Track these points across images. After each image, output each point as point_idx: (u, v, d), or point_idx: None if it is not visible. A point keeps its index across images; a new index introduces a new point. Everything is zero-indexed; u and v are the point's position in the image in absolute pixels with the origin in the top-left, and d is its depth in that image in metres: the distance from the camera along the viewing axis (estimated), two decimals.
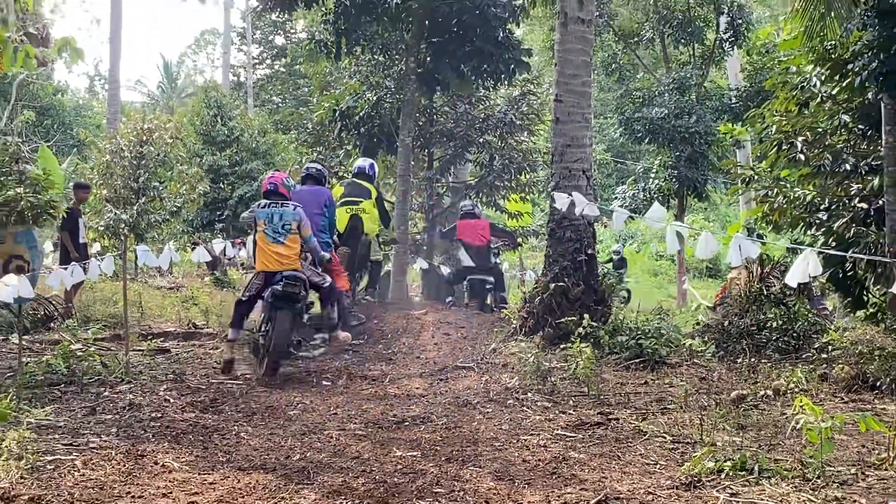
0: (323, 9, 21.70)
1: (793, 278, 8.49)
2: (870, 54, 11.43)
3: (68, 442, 7.23)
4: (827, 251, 10.97)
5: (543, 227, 20.29)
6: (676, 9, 27.25)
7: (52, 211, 13.74)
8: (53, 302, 14.88)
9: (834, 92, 12.99)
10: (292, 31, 60.75)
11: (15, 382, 8.92)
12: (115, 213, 23.37)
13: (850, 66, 12.12)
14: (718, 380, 9.85)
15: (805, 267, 8.17)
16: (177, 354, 12.33)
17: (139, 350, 11.90)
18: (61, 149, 42.15)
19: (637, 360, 10.87)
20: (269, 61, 64.27)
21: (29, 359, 10.38)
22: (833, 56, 12.65)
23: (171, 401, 8.98)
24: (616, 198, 28.76)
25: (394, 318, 14.97)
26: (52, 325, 14.20)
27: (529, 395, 9.31)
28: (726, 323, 12.11)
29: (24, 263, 13.32)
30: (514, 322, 13.09)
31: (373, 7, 20.91)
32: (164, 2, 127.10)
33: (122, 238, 20.49)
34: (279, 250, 11.01)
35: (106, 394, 9.14)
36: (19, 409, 7.57)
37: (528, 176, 24.59)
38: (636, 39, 28.87)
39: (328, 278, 11.68)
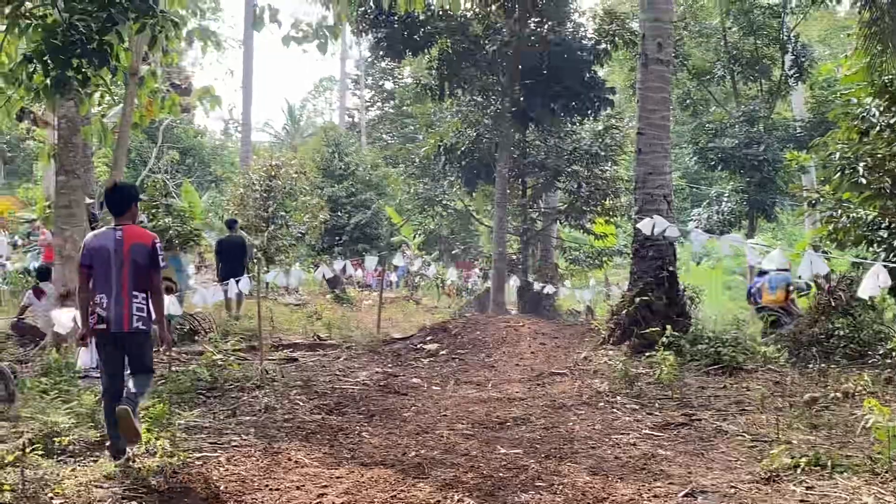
0: (428, 56, 21.98)
1: (865, 291, 8.30)
2: None
3: (213, 441, 7.34)
4: (890, 265, 10.69)
5: (627, 248, 20.14)
6: (745, 48, 26.81)
7: (195, 238, 14.02)
8: (198, 318, 15.08)
9: (892, 121, 12.68)
10: (400, 76, 61.17)
11: (166, 389, 9.08)
12: (249, 239, 23.74)
13: None
14: (792, 384, 9.63)
15: (875, 280, 7.97)
16: (304, 363, 12.45)
17: (272, 359, 12.04)
18: (201, 184, 43.06)
19: (716, 367, 10.69)
20: (379, 103, 64.78)
21: (177, 368, 10.57)
22: (891, 89, 12.36)
23: (301, 404, 9.07)
24: (692, 219, 28.35)
25: (494, 329, 14.95)
26: (196, 338, 14.41)
27: (619, 398, 9.22)
28: (798, 332, 11.86)
29: (172, 284, 13.55)
30: (603, 332, 13.00)
31: (472, 54, 21.12)
32: (288, 54, 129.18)
33: (255, 261, 20.80)
34: (772, 297, 14.09)
35: (244, 398, 9.25)
36: (171, 413, 7.70)
37: (612, 201, 24.41)
38: (708, 77, 28.46)
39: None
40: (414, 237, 32.70)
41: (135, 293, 6.86)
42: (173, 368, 10.24)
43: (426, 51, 21.67)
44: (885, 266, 8.38)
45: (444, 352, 13.72)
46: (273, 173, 25.69)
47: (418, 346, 14.46)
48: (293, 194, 26.45)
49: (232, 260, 17.20)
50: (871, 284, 8.16)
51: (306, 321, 17.53)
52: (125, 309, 6.80)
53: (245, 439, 7.42)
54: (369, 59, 53.23)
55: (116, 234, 6.93)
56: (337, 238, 37.25)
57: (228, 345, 11.20)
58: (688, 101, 29.12)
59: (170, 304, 8.74)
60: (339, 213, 36.86)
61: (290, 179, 26.07)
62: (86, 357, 8.72)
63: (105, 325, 6.77)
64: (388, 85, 63.64)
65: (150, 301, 6.94)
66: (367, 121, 61.25)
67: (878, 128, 13.02)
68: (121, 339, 6.80)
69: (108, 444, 6.66)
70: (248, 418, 8.35)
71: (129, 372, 6.82)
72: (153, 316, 7.03)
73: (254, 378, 10.12)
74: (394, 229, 31.94)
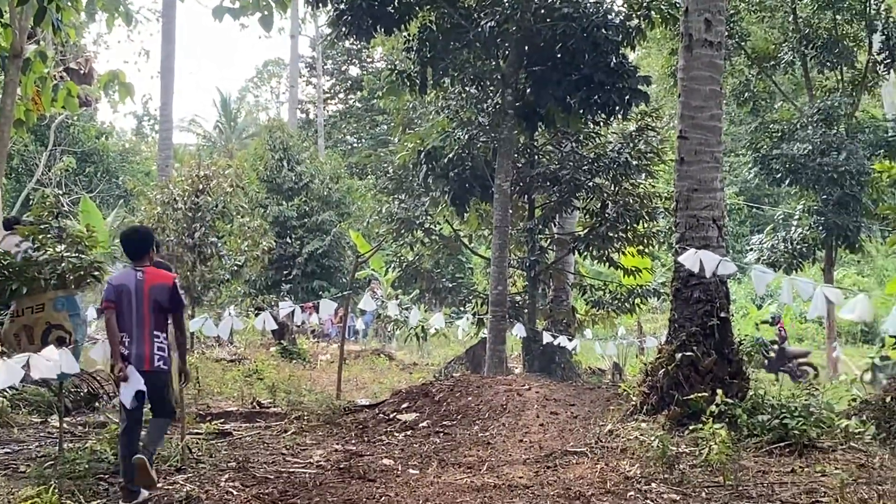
0: (405, 35, 21.87)
1: None
2: None
3: None
4: None
5: (666, 286, 20.12)
6: (821, 26, 26.98)
7: (96, 273, 13.93)
8: (99, 378, 14.95)
9: None
10: (369, 60, 61.51)
11: (55, 472, 9.03)
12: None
13: None
14: (881, 467, 9.64)
15: None
16: (240, 438, 12.43)
17: (196, 433, 12.02)
18: (106, 200, 43.06)
19: (781, 444, 10.68)
20: (342, 95, 65.16)
21: (71, 444, 10.52)
22: None
23: (235, 493, 9.05)
24: (751, 249, 28.46)
25: (491, 393, 14.94)
26: (96, 404, 14.32)
27: (653, 485, 9.22)
28: (889, 399, 11.87)
29: (66, 334, 13.47)
30: (634, 398, 12.98)
31: (463, 32, 21.03)
32: (221, 30, 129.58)
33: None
34: None
35: (159, 485, 9.22)
36: None
37: (646, 225, 24.38)
38: (773, 63, 28.65)
39: None
40: (386, 271, 32.68)
41: (156, 333, 8.95)
42: (65, 445, 10.19)
43: (403, 27, 21.61)
44: None
45: (424, 423, 13.71)
46: (201, 186, 25.73)
47: (391, 415, 14.44)
48: (227, 214, 26.48)
49: None
50: None
51: (243, 382, 17.52)
52: (146, 349, 8.88)
53: None
54: (329, 38, 53.53)
55: (137, 274, 9.05)
56: (285, 272, 37.32)
57: None
58: (746, 95, 29.34)
59: (63, 359, 8.77)
60: (287, 240, 36.98)
61: (223, 195, 26.11)
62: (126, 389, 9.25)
63: (127, 363, 8.72)
64: (354, 71, 64.04)
65: (168, 341, 9.12)
66: (325, 118, 61.50)
67: None
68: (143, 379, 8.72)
69: (119, 484, 8.69)
70: None
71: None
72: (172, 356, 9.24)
73: (172, 458, 10.10)
74: (360, 261, 31.79)
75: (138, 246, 9.31)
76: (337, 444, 12.36)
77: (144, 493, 8.59)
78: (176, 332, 9.33)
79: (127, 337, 8.82)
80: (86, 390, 14.47)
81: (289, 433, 13.00)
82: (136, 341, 8.83)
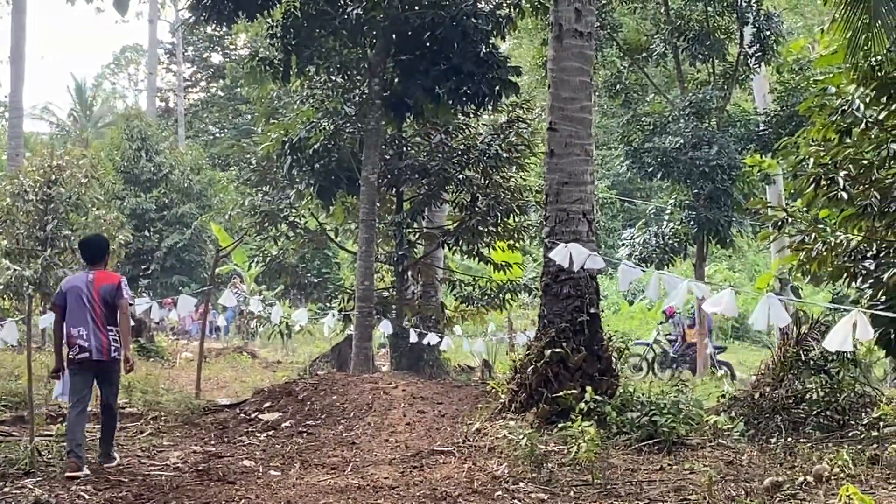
0: (268, 21, 21.65)
1: (833, 342, 8.42)
2: None
3: None
4: (876, 312, 10.96)
5: (536, 282, 20.26)
6: (692, 18, 27.30)
7: None
8: None
9: (881, 117, 13.02)
10: (232, 47, 61.02)
11: None
12: (17, 269, 23.29)
13: None
14: (748, 464, 9.83)
15: (848, 329, 8.10)
16: (93, 440, 12.25)
17: (47, 435, 11.83)
18: None
19: (651, 442, 10.84)
20: (203, 83, 64.53)
21: None
22: (880, 74, 12.71)
23: (86, 497, 8.93)
24: (623, 244, 28.71)
25: (357, 392, 14.93)
26: None
27: (521, 484, 9.28)
28: (757, 395, 12.08)
29: None
30: (503, 396, 13.04)
31: (329, 19, 20.87)
32: (76, 14, 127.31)
33: (26, 299, 20.36)
34: None
35: (6, 489, 9.06)
36: None
37: (517, 219, 24.52)
38: (645, 55, 28.94)
39: None
40: (250, 266, 32.42)
41: (109, 327, 10.46)
42: None
43: (266, 13, 21.38)
44: (865, 312, 8.52)
45: (287, 423, 13.66)
46: (53, 177, 25.32)
47: (252, 415, 14.37)
48: (81, 206, 26.09)
49: None
50: (843, 335, 8.28)
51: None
52: (104, 340, 10.40)
53: None
54: (189, 23, 52.92)
55: (88, 276, 10.67)
56: (143, 267, 36.87)
57: None
58: (618, 87, 29.59)
59: None
60: (146, 233, 36.53)
61: (77, 186, 25.72)
62: (59, 387, 10.79)
63: (87, 353, 10.32)
64: (216, 58, 63.49)
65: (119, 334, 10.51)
66: (186, 106, 60.85)
67: (863, 125, 13.37)
68: (99, 367, 10.48)
69: (68, 452, 9.97)
70: None
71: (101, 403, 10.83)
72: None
73: (21, 461, 9.94)
74: (222, 255, 31.48)
75: (93, 252, 11.04)
76: (195, 445, 12.27)
77: (86, 470, 9.98)
78: (120, 323, 10.62)
79: (84, 330, 10.36)
80: None
81: (145, 434, 12.87)
82: (94, 333, 10.38)
